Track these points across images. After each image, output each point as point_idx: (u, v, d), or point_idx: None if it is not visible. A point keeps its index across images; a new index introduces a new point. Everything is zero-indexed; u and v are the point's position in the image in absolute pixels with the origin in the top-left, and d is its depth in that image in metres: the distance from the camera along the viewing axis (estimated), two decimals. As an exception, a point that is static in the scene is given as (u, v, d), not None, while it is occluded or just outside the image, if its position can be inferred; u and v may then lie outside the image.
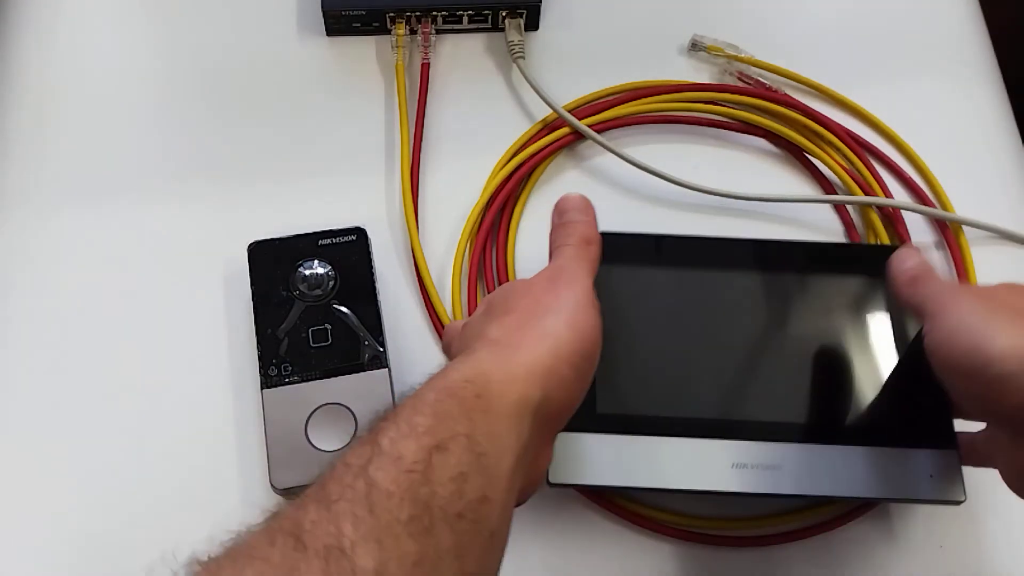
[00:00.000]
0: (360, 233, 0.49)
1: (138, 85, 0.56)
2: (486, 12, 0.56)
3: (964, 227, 0.53)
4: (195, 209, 0.52)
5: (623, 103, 0.55)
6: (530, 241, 0.52)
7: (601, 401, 0.43)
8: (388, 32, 0.56)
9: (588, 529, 0.46)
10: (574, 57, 0.57)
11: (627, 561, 0.45)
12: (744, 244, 0.47)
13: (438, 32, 0.57)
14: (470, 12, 0.56)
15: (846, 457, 0.42)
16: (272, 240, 0.49)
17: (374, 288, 0.48)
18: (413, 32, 0.56)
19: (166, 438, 0.47)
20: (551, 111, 0.54)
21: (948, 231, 0.53)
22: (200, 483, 0.46)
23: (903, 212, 0.53)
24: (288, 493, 0.44)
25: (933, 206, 0.54)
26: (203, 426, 0.47)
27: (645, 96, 0.55)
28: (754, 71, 0.57)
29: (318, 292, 0.47)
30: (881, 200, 0.52)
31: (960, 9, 0.61)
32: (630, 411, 0.43)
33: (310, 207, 0.52)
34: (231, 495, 0.45)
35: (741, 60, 0.57)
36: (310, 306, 0.47)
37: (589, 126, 0.54)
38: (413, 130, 0.54)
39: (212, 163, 0.54)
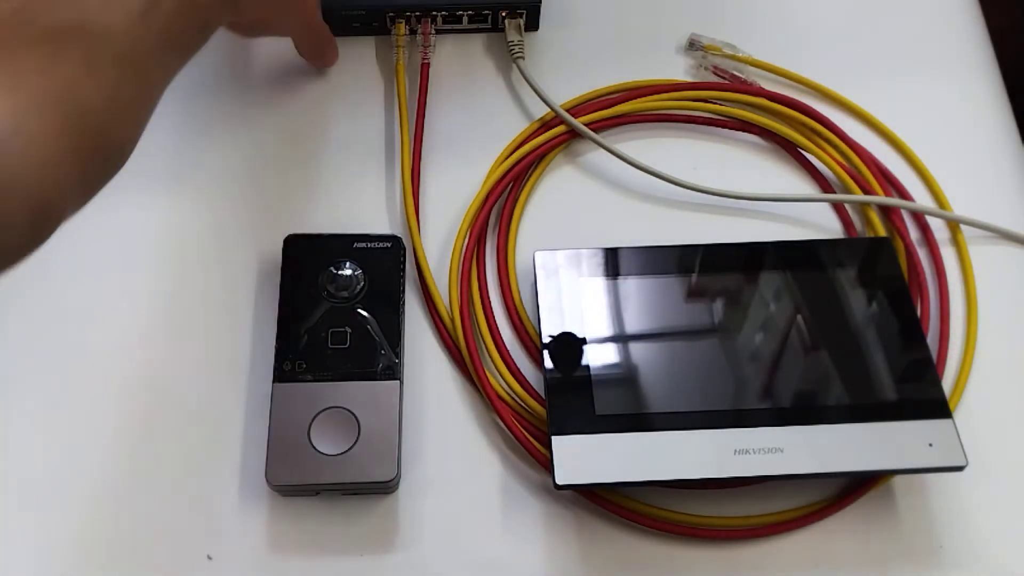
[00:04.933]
0: (396, 242, 0.49)
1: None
2: (486, 12, 0.55)
3: (963, 226, 0.53)
4: (200, 206, 0.53)
5: (619, 103, 0.55)
6: (530, 239, 0.52)
7: (599, 403, 0.44)
8: (388, 32, 0.56)
9: (590, 531, 0.45)
10: (573, 57, 0.57)
11: (628, 560, 0.45)
12: (724, 248, 0.49)
13: (438, 32, 0.56)
14: (470, 12, 0.55)
15: (845, 434, 0.43)
16: (309, 235, 0.49)
17: (400, 298, 0.48)
18: (413, 32, 0.56)
19: (174, 423, 0.47)
20: (549, 110, 0.54)
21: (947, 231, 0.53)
22: (201, 471, 0.46)
23: (902, 211, 0.53)
24: (282, 490, 0.44)
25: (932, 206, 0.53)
26: (212, 414, 0.47)
27: (641, 96, 0.55)
28: (751, 70, 0.57)
29: (345, 294, 0.47)
30: (880, 199, 0.52)
31: (960, 9, 0.60)
32: (629, 410, 0.44)
33: (311, 206, 0.52)
34: (230, 485, 0.46)
35: (739, 59, 0.57)
36: (335, 307, 0.47)
37: (586, 125, 0.53)
38: (413, 130, 0.54)
39: (222, 161, 0.54)
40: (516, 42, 0.54)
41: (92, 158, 0.34)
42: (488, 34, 0.58)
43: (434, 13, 0.55)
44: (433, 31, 0.55)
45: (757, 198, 0.52)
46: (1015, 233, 0.52)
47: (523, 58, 0.54)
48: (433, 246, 0.52)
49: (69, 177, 0.33)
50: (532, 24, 0.56)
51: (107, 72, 0.34)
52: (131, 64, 0.35)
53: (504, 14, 0.55)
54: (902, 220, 0.52)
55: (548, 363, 0.45)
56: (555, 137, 0.54)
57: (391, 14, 0.55)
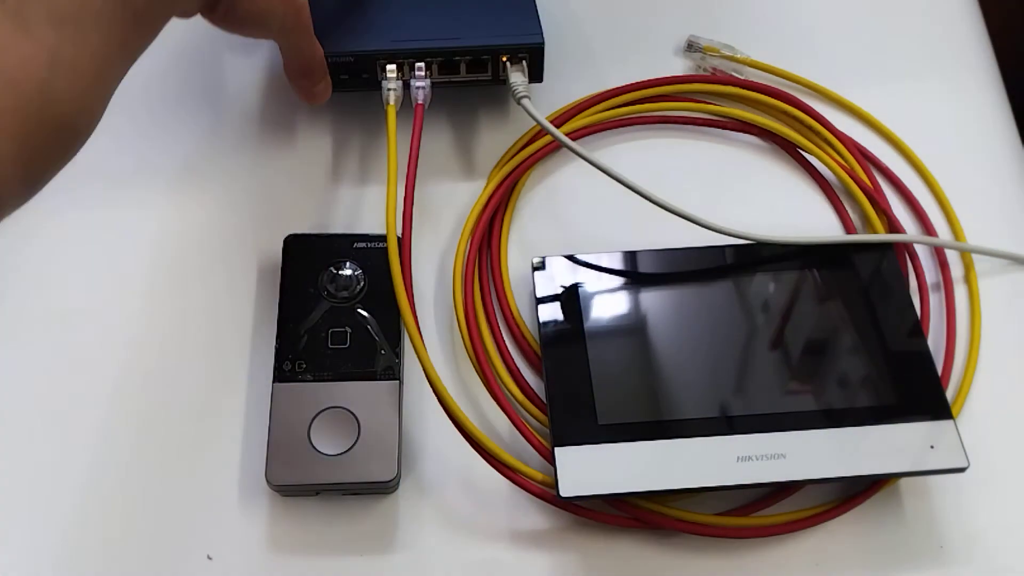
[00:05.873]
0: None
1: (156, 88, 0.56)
2: (484, 57, 0.50)
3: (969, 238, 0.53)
4: (200, 206, 0.53)
5: (614, 98, 0.55)
6: (528, 245, 0.52)
7: (602, 413, 0.44)
8: (378, 84, 0.50)
9: (590, 531, 0.45)
10: (570, 60, 0.57)
11: (629, 559, 0.45)
12: (724, 250, 0.49)
13: (434, 85, 0.50)
14: (467, 58, 0.50)
15: (847, 438, 0.43)
16: (309, 235, 0.49)
17: (400, 298, 0.48)
18: (407, 86, 0.49)
19: (174, 423, 0.47)
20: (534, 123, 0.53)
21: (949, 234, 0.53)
22: (201, 471, 0.46)
23: (905, 219, 0.53)
24: (282, 490, 0.44)
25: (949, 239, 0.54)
26: (212, 414, 0.47)
27: (640, 90, 0.55)
28: (750, 71, 0.57)
29: (345, 294, 0.47)
30: (895, 237, 0.50)
31: (960, 9, 0.60)
32: (631, 419, 0.44)
33: (311, 206, 0.53)
34: (230, 485, 0.46)
35: (738, 61, 0.57)
36: (335, 307, 0.47)
37: (576, 130, 0.53)
38: (406, 170, 0.48)
39: (222, 161, 0.54)
40: (520, 83, 0.49)
41: (37, 137, 0.29)
42: (489, 88, 0.53)
43: (429, 60, 0.49)
44: (427, 76, 0.49)
45: (770, 242, 0.49)
46: (1018, 255, 0.52)
47: (528, 97, 0.49)
48: (434, 254, 0.52)
49: (10, 162, 0.28)
50: (536, 74, 0.51)
51: (44, 31, 0.29)
52: (74, 24, 0.30)
53: (505, 59, 0.50)
54: (903, 230, 0.52)
55: (548, 373, 0.45)
56: (545, 145, 0.53)
57: (382, 60, 0.49)
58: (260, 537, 0.45)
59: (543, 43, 0.50)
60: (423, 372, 0.43)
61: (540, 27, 0.50)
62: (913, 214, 0.54)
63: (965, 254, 0.52)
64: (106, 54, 0.32)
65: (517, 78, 0.49)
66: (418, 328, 0.43)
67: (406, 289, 0.44)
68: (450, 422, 0.48)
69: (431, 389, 0.43)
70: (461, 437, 0.47)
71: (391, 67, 0.49)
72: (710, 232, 0.49)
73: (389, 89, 0.49)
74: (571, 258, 0.49)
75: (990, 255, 0.52)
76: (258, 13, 0.42)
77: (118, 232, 0.52)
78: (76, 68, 0.30)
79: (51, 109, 0.29)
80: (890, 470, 0.42)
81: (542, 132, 0.54)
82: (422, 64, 0.49)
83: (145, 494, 0.45)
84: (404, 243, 0.45)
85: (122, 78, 0.34)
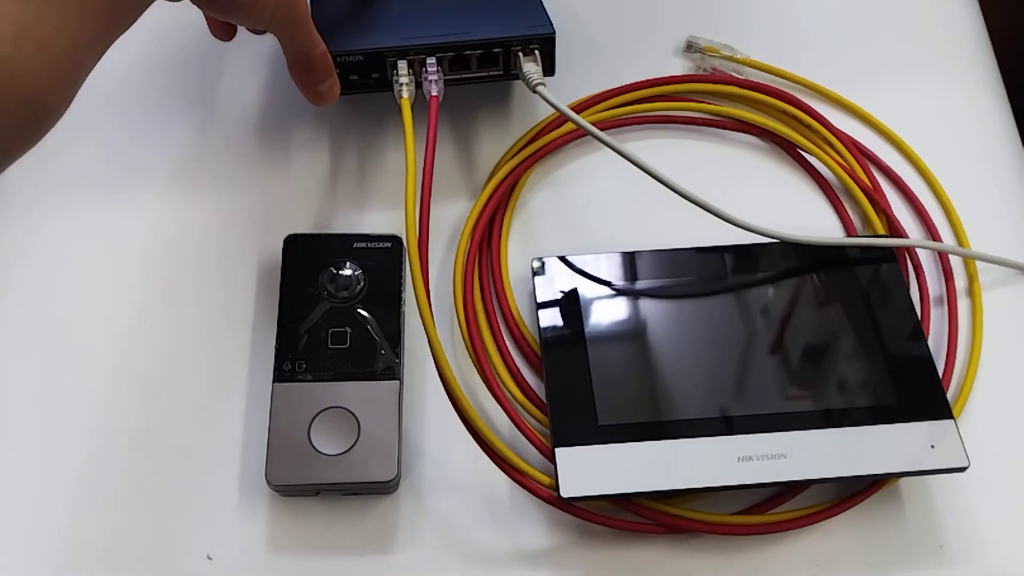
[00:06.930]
0: (396, 241, 0.49)
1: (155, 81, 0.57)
2: (496, 50, 0.49)
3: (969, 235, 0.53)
4: (201, 205, 0.53)
5: (613, 98, 0.55)
6: (526, 247, 0.52)
7: (602, 413, 0.44)
8: (389, 84, 0.49)
9: (590, 531, 0.45)
10: (568, 61, 0.57)
11: (629, 559, 0.45)
12: (721, 250, 0.49)
13: (447, 84, 0.50)
14: (479, 52, 0.49)
15: (847, 438, 0.43)
16: (309, 235, 0.49)
17: (400, 298, 0.48)
18: (419, 85, 0.49)
19: (174, 423, 0.47)
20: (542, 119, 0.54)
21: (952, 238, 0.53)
22: (201, 471, 0.46)
23: (906, 219, 0.53)
24: (282, 490, 0.44)
25: (934, 212, 0.54)
26: (212, 414, 0.47)
27: (639, 89, 0.56)
28: (750, 71, 0.57)
29: (345, 294, 0.47)
30: (902, 242, 0.51)
31: (960, 9, 0.60)
32: (631, 420, 0.44)
33: (311, 206, 0.53)
34: (230, 485, 0.46)
35: (737, 61, 0.57)
36: (335, 307, 0.47)
37: (577, 129, 0.52)
38: (422, 165, 0.47)
39: (222, 161, 0.54)
40: (534, 71, 0.49)
41: (3, 119, 0.29)
42: (500, 84, 0.54)
43: (440, 55, 0.49)
44: (439, 72, 0.49)
45: (794, 240, 0.48)
46: (1019, 264, 0.52)
47: (544, 84, 0.49)
48: (434, 254, 0.51)
49: None
50: (548, 66, 0.50)
51: (13, 6, 0.29)
52: (46, 1, 0.29)
53: (516, 49, 0.49)
54: (906, 234, 0.52)
55: (549, 374, 0.45)
56: (545, 144, 0.53)
57: (392, 58, 0.49)
58: (260, 537, 0.45)
59: (554, 33, 0.49)
60: (436, 369, 0.43)
61: (548, 18, 0.50)
62: (914, 213, 0.54)
63: (962, 237, 0.52)
64: (80, 35, 0.31)
65: (531, 68, 0.49)
66: (434, 322, 0.43)
67: (424, 283, 0.43)
68: (451, 423, 0.48)
69: (443, 385, 0.43)
70: (461, 437, 0.47)
71: (402, 63, 0.48)
72: (709, 232, 0.49)
73: (402, 84, 0.48)
74: (571, 260, 0.49)
75: (992, 262, 0.52)
76: (248, 2, 0.40)
77: (119, 234, 0.52)
78: (45, 47, 0.29)
79: (15, 87, 0.28)
80: (890, 470, 0.42)
81: (542, 132, 0.54)
82: (433, 59, 0.49)
83: (145, 494, 0.45)
84: (422, 237, 0.45)
85: (97, 61, 0.33)
